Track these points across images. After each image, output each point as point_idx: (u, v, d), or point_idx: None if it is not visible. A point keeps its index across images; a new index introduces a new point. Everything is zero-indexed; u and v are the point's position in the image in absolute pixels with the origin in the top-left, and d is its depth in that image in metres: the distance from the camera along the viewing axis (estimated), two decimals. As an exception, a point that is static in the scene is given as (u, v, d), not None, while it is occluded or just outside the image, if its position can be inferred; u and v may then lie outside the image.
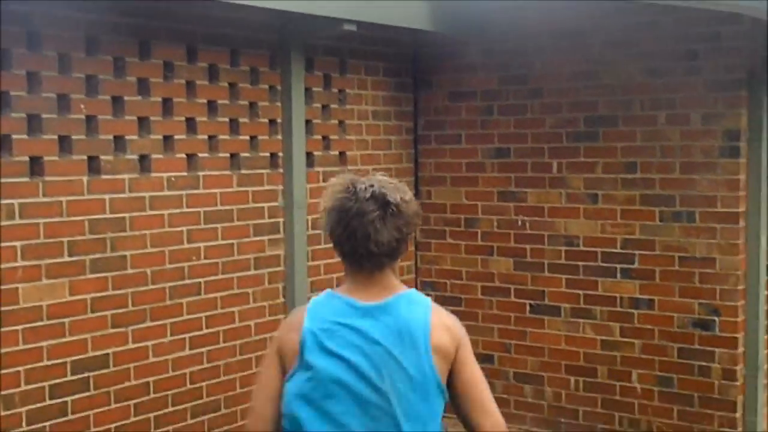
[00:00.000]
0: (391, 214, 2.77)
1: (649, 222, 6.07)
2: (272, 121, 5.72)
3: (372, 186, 2.78)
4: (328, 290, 2.86)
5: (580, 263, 6.33)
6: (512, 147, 6.56)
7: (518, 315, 6.63)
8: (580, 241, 6.32)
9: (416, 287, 6.96)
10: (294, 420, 2.67)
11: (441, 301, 6.79)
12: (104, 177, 4.77)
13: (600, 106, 6.21)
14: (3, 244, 4.32)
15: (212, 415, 5.36)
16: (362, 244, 2.72)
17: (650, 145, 6.04)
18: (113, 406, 4.83)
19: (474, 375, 2.80)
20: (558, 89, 6.36)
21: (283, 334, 2.79)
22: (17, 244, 4.38)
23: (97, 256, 4.74)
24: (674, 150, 5.95)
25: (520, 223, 6.58)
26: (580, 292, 6.35)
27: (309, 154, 5.95)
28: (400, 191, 2.83)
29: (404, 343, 2.69)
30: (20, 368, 4.40)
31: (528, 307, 6.59)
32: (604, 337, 6.29)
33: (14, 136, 4.37)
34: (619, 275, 6.21)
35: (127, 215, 4.88)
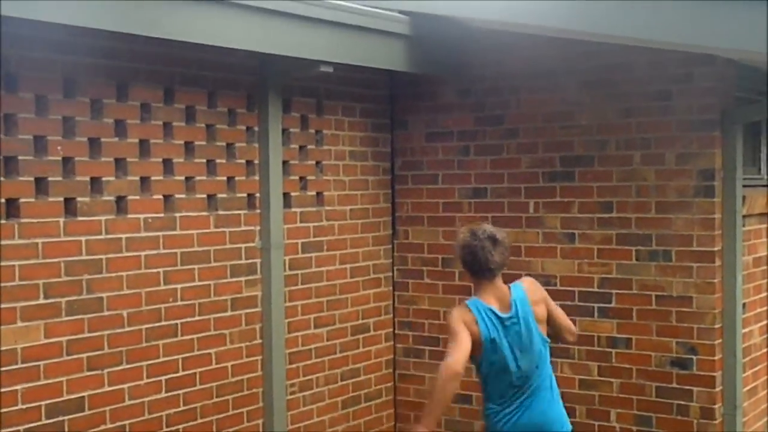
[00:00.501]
0: (498, 244, 4.70)
1: (626, 261, 6.10)
2: (249, 162, 5.72)
3: (485, 230, 4.73)
4: (473, 298, 4.74)
5: (558, 302, 6.31)
6: (489, 187, 6.59)
7: (496, 355, 6.61)
8: (557, 280, 6.34)
9: (393, 327, 6.96)
10: (491, 362, 4.66)
11: (419, 341, 6.85)
12: (80, 219, 4.74)
13: (576, 146, 6.26)
14: (-22, 287, 4.28)
15: (189, 458, 5.31)
16: (484, 264, 4.65)
17: (626, 184, 6.08)
18: (89, 450, 4.77)
19: (557, 309, 5.01)
20: (534, 129, 6.41)
21: (468, 324, 4.59)
22: (-8, 286, 4.35)
23: (73, 298, 4.70)
24: (650, 189, 6.00)
25: (497, 262, 6.58)
26: (558, 331, 6.35)
27: (286, 195, 5.95)
28: (500, 233, 4.77)
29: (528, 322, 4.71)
30: (-6, 412, 4.34)
31: (506, 347, 6.58)
32: (582, 377, 6.29)
33: (-10, 178, 4.35)
34: (596, 314, 6.23)
35: (103, 257, 4.85)
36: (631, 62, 6.01)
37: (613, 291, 6.16)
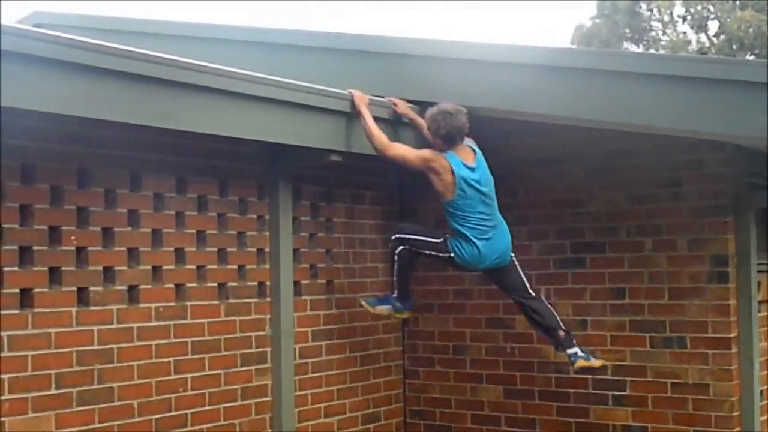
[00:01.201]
0: (462, 114, 5.61)
1: (640, 348, 6.06)
2: (260, 250, 5.73)
3: (452, 105, 5.56)
4: (448, 152, 5.54)
5: (571, 390, 6.29)
6: (500, 274, 6.57)
7: (509, 445, 6.54)
8: (570, 368, 6.28)
9: (404, 416, 6.88)
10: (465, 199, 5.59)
11: (431, 430, 6.77)
12: (93, 308, 4.74)
13: (586, 232, 6.27)
14: (-11, 378, 4.26)
15: None
16: (461, 129, 5.59)
17: (638, 270, 6.08)
18: None
19: None
20: (543, 216, 6.43)
21: (442, 164, 5.52)
22: (4, 377, 4.31)
23: (84, 388, 4.67)
24: (662, 276, 5.99)
25: (509, 350, 6.55)
26: (572, 419, 6.28)
27: (296, 283, 5.94)
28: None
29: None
30: (2, 506, 4.28)
31: (519, 436, 6.50)
32: (598, 466, 6.20)
33: (6, 268, 4.35)
34: (611, 402, 6.16)
35: (114, 346, 4.83)
36: (639, 149, 6.06)
37: (628, 378, 6.10)
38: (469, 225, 5.58)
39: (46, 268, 4.54)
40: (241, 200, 5.63)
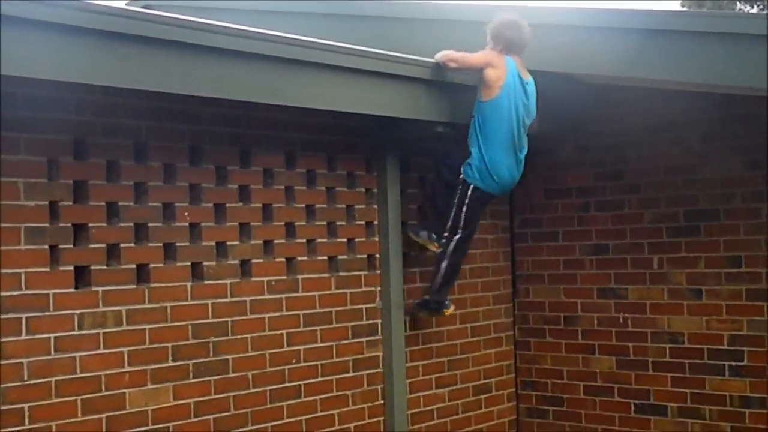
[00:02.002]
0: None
1: (758, 317, 5.90)
2: (369, 223, 5.77)
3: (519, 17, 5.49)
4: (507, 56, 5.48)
5: (686, 361, 6.17)
6: (611, 243, 6.49)
7: (623, 415, 6.46)
8: (685, 337, 6.17)
9: (516, 387, 6.86)
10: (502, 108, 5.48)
11: (542, 401, 6.74)
12: (207, 282, 4.85)
13: (700, 199, 6.12)
14: (111, 350, 4.41)
15: None
16: (525, 41, 5.51)
17: (755, 238, 5.90)
18: None
19: None
20: (655, 184, 6.30)
21: (497, 63, 5.43)
22: (124, 349, 4.46)
23: (200, 360, 4.79)
24: (781, 243, 5.82)
25: (621, 320, 6.46)
26: (687, 390, 6.17)
27: (406, 255, 5.97)
28: None
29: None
30: (126, 474, 4.44)
31: (633, 407, 6.42)
32: (714, 438, 6.08)
33: (122, 245, 4.49)
34: (727, 373, 6.02)
35: (229, 319, 4.94)
36: (753, 113, 5.86)
37: (745, 348, 5.95)
38: (490, 137, 5.48)
39: (161, 244, 4.66)
40: (350, 174, 5.67)
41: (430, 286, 5.84)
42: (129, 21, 3.92)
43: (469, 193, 5.59)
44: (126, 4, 8.25)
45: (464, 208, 5.61)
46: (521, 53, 5.52)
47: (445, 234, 5.70)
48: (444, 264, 5.71)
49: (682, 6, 27.72)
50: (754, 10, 27.18)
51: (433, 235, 5.88)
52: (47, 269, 4.20)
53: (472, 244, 5.97)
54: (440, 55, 5.43)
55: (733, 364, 6.00)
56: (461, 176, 5.61)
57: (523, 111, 5.53)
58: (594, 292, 6.58)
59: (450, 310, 5.99)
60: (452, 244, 5.68)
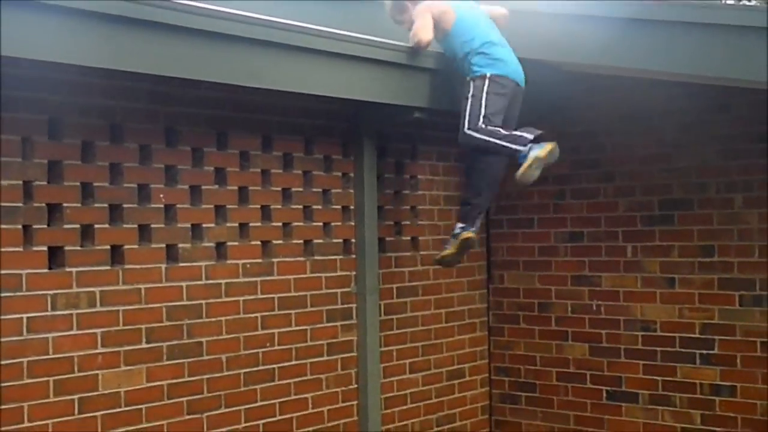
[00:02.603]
0: None
1: (729, 306, 5.95)
2: (345, 208, 5.77)
3: None
4: None
5: (658, 348, 6.22)
6: (585, 231, 6.53)
7: (595, 402, 6.51)
8: (657, 325, 6.22)
9: (489, 373, 6.90)
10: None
11: (515, 387, 6.78)
12: (182, 264, 4.84)
13: (675, 189, 6.16)
14: (85, 331, 4.39)
15: (286, 503, 5.33)
16: None
17: (728, 228, 5.95)
18: (188, 494, 4.82)
19: None
20: (631, 172, 6.33)
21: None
22: (97, 331, 4.45)
23: (174, 342, 4.78)
24: (753, 233, 5.86)
25: (594, 307, 6.50)
26: (659, 378, 6.22)
27: (381, 240, 5.98)
28: None
29: None
30: (98, 455, 4.43)
31: (605, 394, 6.47)
32: (684, 425, 6.14)
33: (96, 226, 4.47)
34: (698, 361, 6.08)
35: (203, 302, 4.93)
36: (729, 104, 5.91)
37: (716, 337, 6.01)
38: (477, 41, 5.44)
39: (135, 226, 4.65)
40: (326, 158, 5.66)
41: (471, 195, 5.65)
42: (108, 1, 3.89)
43: (488, 83, 5.34)
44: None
45: (484, 98, 5.31)
46: None
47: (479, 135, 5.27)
48: (487, 138, 5.25)
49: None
50: (753, 2, 27.25)
51: (461, 225, 5.63)
52: (20, 249, 4.18)
53: (447, 230, 5.94)
54: (411, 40, 5.46)
55: (704, 352, 6.05)
56: (472, 74, 5.39)
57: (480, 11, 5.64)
58: (568, 279, 6.62)
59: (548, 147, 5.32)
60: (484, 133, 5.27)
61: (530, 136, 5.26)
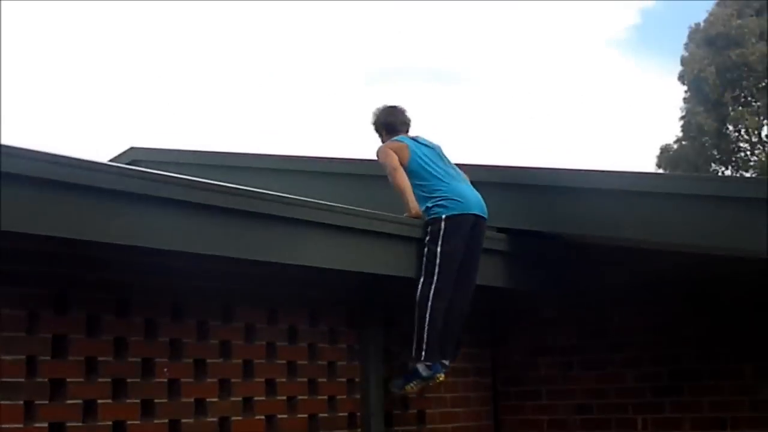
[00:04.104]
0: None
1: (745, 480, 5.79)
2: (350, 381, 5.69)
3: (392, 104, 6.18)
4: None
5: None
6: (595, 403, 6.42)
7: None
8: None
9: None
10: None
11: None
12: (185, 440, 4.73)
13: (684, 359, 6.09)
14: None
15: None
16: (406, 121, 6.16)
17: (739, 398, 5.85)
18: None
19: None
20: (639, 342, 6.28)
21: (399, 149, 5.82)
22: None
23: None
24: (765, 404, 5.75)
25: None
26: None
27: (387, 414, 5.87)
28: None
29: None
30: None
31: None
32: None
33: (99, 401, 4.39)
34: None
35: (206, 480, 4.80)
36: (736, 273, 5.90)
37: None
38: (438, 177, 5.67)
39: (138, 400, 4.56)
40: (332, 330, 5.63)
41: (414, 351, 5.48)
42: (118, 177, 3.96)
43: (444, 226, 5.47)
44: (111, 159, 8.36)
45: (439, 248, 5.44)
46: (408, 131, 6.03)
47: (424, 301, 5.43)
48: (427, 313, 5.41)
49: (658, 168, 28.33)
50: (728, 172, 27.81)
51: (414, 369, 5.54)
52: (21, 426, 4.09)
53: (458, 403, 5.84)
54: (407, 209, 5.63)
55: None
56: (428, 219, 5.53)
57: (440, 151, 5.91)
58: (580, 454, 6.46)
59: (442, 376, 5.58)
60: (432, 290, 5.42)
61: (446, 363, 5.61)
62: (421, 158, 5.75)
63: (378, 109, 6.13)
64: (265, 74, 52.23)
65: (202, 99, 49.65)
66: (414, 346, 5.47)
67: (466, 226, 5.56)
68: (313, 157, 7.58)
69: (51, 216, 3.78)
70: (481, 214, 5.63)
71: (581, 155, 42.59)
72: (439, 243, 5.46)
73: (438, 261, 5.45)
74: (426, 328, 5.43)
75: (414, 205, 5.62)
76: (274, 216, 4.65)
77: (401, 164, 5.73)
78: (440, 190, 5.62)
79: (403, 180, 5.71)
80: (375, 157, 5.91)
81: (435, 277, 5.44)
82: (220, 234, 4.43)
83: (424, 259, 5.48)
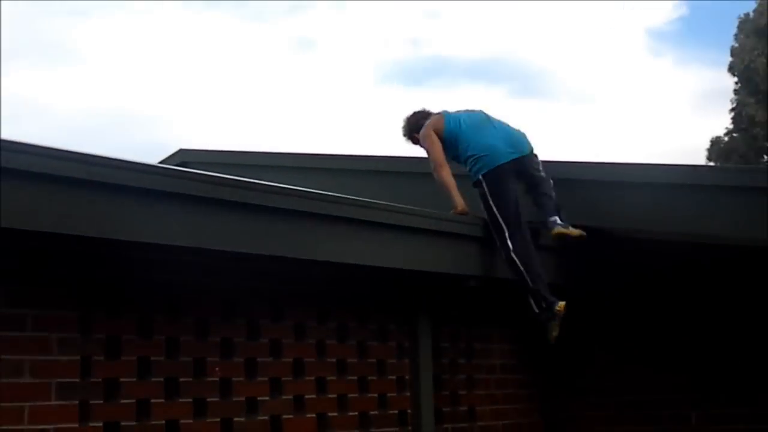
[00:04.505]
0: None
1: None
2: (400, 378, 5.70)
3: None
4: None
5: None
6: (646, 399, 6.35)
7: None
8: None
9: None
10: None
11: None
12: (237, 438, 4.76)
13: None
14: None
15: None
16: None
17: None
18: None
19: None
20: (691, 336, 6.18)
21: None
22: (151, 508, 4.36)
23: None
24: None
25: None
26: None
27: (438, 411, 5.87)
28: None
29: None
30: None
31: None
32: None
33: (153, 400, 4.45)
34: None
35: (258, 478, 4.83)
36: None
37: None
38: (466, 139, 5.89)
39: (191, 399, 4.61)
40: (381, 328, 5.64)
41: (534, 306, 5.63)
42: (164, 178, 4.01)
43: (486, 185, 5.67)
44: (162, 161, 8.46)
45: (493, 206, 5.62)
46: None
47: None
48: (518, 265, 5.56)
49: (708, 161, 27.98)
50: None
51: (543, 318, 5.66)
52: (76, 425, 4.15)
53: (509, 399, 5.81)
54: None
55: None
56: (473, 182, 5.77)
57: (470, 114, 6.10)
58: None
59: (562, 304, 5.57)
60: (509, 243, 5.56)
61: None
62: (451, 123, 5.99)
63: (411, 117, 6.31)
64: (271, 74, 52.23)
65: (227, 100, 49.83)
66: (531, 301, 5.60)
67: (506, 175, 5.73)
68: (344, 155, 7.63)
69: (85, 216, 3.79)
70: (517, 156, 5.79)
71: (629, 149, 42.26)
72: (491, 201, 5.64)
73: (498, 216, 5.58)
74: (527, 279, 5.55)
75: (459, 201, 5.68)
76: (325, 215, 4.67)
77: (437, 135, 5.97)
78: (468, 149, 5.84)
79: (447, 177, 5.81)
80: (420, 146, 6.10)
81: (505, 231, 5.57)
82: (269, 233, 4.45)
83: (488, 220, 5.63)
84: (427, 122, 6.14)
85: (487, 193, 5.65)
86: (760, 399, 5.91)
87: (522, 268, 5.54)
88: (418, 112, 6.32)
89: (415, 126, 6.26)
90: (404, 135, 6.37)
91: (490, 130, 5.90)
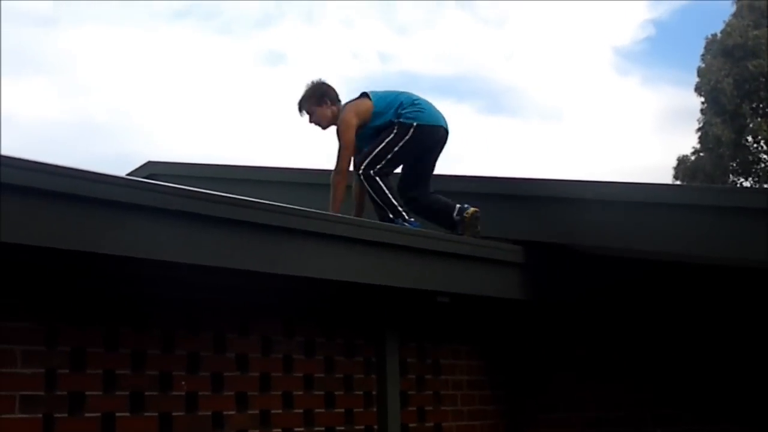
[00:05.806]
0: None
1: None
2: (367, 394, 5.70)
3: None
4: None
5: None
6: (611, 416, 6.38)
7: None
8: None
9: None
10: None
11: None
12: (202, 454, 4.74)
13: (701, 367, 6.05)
14: None
15: None
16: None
17: None
18: None
19: None
20: (655, 353, 6.23)
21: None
22: None
23: None
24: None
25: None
26: None
27: (404, 427, 5.87)
28: None
29: None
30: None
31: None
32: None
33: (118, 414, 4.42)
34: None
35: (221, 494, 4.80)
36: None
37: None
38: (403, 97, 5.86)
39: (156, 414, 4.58)
40: (348, 343, 5.64)
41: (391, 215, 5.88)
42: (130, 190, 3.99)
43: (411, 132, 5.72)
44: (130, 173, 8.43)
45: (399, 147, 5.74)
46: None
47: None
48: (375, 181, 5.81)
49: (675, 179, 28.26)
50: (747, 183, 27.69)
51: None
52: (40, 439, 4.11)
53: (476, 415, 5.80)
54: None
55: None
56: (397, 122, 5.78)
57: None
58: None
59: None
60: (376, 167, 5.77)
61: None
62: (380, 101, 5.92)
63: (316, 83, 6.14)
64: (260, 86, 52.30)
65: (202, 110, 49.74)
66: (388, 212, 5.85)
67: (434, 143, 5.90)
68: (313, 169, 7.64)
69: (50, 227, 3.79)
70: (448, 133, 5.95)
71: (596, 166, 42.56)
72: (398, 142, 5.74)
73: (388, 156, 5.77)
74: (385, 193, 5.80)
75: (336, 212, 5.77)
76: (290, 229, 4.67)
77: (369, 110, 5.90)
78: (412, 102, 5.86)
79: (341, 188, 5.96)
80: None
81: (380, 167, 5.78)
82: (234, 247, 4.45)
83: (375, 147, 5.75)
84: (351, 107, 5.99)
85: (404, 137, 5.69)
86: (723, 416, 5.96)
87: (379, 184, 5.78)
88: (327, 85, 6.15)
89: (319, 100, 6.09)
90: (301, 108, 6.17)
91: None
